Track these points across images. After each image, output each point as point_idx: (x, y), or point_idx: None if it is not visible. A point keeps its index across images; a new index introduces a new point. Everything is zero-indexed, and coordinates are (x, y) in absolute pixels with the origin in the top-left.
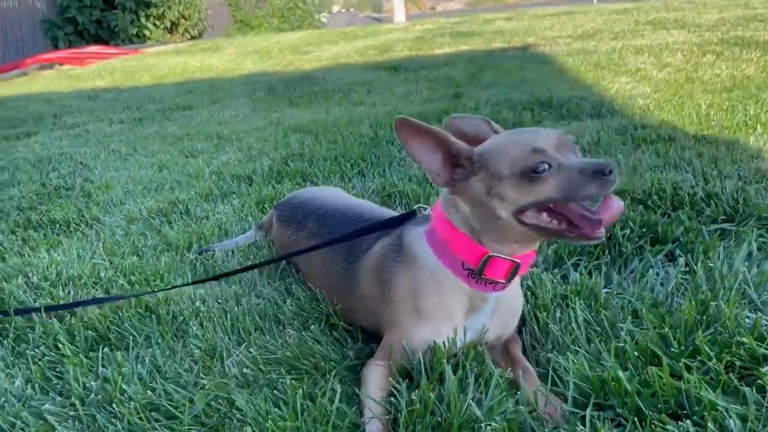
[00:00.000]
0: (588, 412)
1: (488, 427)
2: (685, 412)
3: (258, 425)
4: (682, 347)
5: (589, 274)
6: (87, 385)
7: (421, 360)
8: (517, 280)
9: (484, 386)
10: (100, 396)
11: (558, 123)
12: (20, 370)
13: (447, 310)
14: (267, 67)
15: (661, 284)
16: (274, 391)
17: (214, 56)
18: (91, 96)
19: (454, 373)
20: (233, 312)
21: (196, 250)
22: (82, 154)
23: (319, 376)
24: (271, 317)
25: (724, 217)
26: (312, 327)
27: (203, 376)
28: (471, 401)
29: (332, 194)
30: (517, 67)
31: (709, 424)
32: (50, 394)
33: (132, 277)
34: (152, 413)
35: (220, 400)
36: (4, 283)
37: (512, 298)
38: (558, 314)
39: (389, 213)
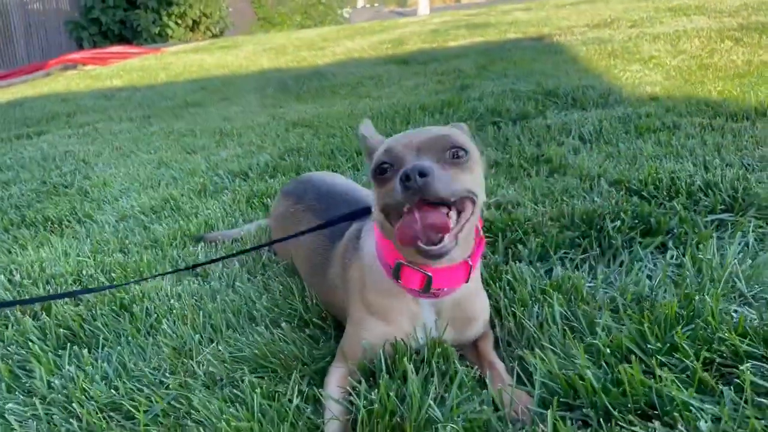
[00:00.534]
0: (550, 412)
1: (447, 427)
2: (656, 412)
3: (212, 425)
4: (659, 344)
5: (576, 267)
6: (52, 383)
7: (382, 357)
8: (476, 282)
9: (449, 384)
10: (61, 395)
11: (562, 112)
12: None
13: (390, 308)
14: (281, 63)
15: (648, 278)
16: (234, 390)
17: (231, 54)
18: (107, 95)
19: (420, 371)
20: (207, 309)
21: (195, 237)
22: (86, 152)
23: (285, 375)
24: (244, 314)
25: (722, 207)
26: (283, 325)
27: (168, 375)
28: (431, 401)
29: (338, 177)
30: (529, 57)
31: (679, 425)
32: (16, 392)
33: (113, 274)
34: (112, 413)
35: (181, 400)
36: None
37: (471, 301)
38: (535, 309)
39: None
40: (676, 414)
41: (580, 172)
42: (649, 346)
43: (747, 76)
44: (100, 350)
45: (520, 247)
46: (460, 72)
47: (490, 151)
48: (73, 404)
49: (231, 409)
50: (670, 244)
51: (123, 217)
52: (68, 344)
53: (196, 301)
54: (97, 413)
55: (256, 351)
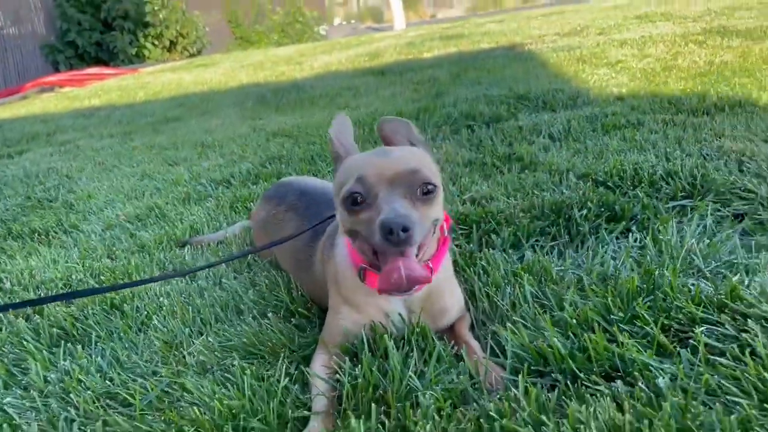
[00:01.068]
0: (521, 377)
1: (427, 394)
2: (618, 373)
3: (205, 405)
4: (621, 314)
5: (546, 253)
6: (47, 378)
7: (364, 337)
8: (449, 277)
9: (428, 359)
10: (57, 387)
11: (533, 114)
12: None
13: (361, 301)
14: (259, 78)
15: (613, 259)
16: (225, 374)
17: (209, 71)
18: (85, 114)
19: (400, 349)
20: (195, 305)
21: (180, 241)
22: (68, 168)
23: (273, 360)
24: (232, 308)
25: (683, 194)
26: (270, 315)
27: (161, 365)
28: (411, 374)
29: (316, 179)
30: (501, 65)
31: (639, 383)
32: (13, 388)
33: (102, 278)
34: (108, 401)
35: (174, 386)
36: None
37: (440, 295)
38: (508, 290)
39: None
40: (636, 374)
41: (550, 168)
42: (612, 316)
43: (708, 75)
44: (93, 347)
45: (493, 236)
46: (435, 80)
47: (464, 151)
48: (71, 395)
49: (222, 390)
50: (634, 228)
51: (109, 226)
52: (62, 342)
53: (184, 298)
54: (94, 402)
55: (245, 340)
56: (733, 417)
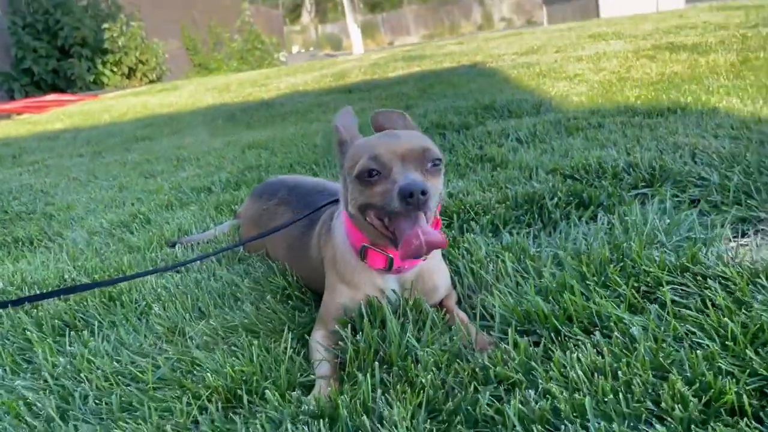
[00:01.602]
0: (511, 330)
1: (426, 351)
2: (596, 328)
3: (217, 373)
4: (596, 278)
5: (524, 238)
6: (56, 363)
7: (363, 309)
8: (437, 259)
9: (422, 327)
10: (68, 368)
11: (500, 121)
12: None
13: (360, 281)
14: (226, 99)
15: (584, 238)
16: (232, 348)
17: (173, 95)
18: (50, 137)
19: (397, 318)
20: (193, 293)
21: (170, 242)
22: (42, 184)
23: (276, 337)
24: (229, 296)
25: (643, 183)
26: (268, 298)
27: (166, 347)
28: (409, 335)
29: (305, 176)
30: (466, 80)
31: (615, 333)
32: (21, 374)
33: (96, 276)
34: (120, 378)
35: (182, 362)
36: None
37: (431, 274)
38: (491, 266)
39: None
40: (612, 325)
41: (520, 165)
42: (587, 282)
43: (660, 83)
44: (97, 334)
45: (473, 224)
46: (403, 95)
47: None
48: (81, 374)
49: (233, 359)
50: (601, 213)
51: (94, 233)
52: (66, 330)
53: (181, 289)
54: (106, 379)
55: (246, 320)
56: (699, 352)
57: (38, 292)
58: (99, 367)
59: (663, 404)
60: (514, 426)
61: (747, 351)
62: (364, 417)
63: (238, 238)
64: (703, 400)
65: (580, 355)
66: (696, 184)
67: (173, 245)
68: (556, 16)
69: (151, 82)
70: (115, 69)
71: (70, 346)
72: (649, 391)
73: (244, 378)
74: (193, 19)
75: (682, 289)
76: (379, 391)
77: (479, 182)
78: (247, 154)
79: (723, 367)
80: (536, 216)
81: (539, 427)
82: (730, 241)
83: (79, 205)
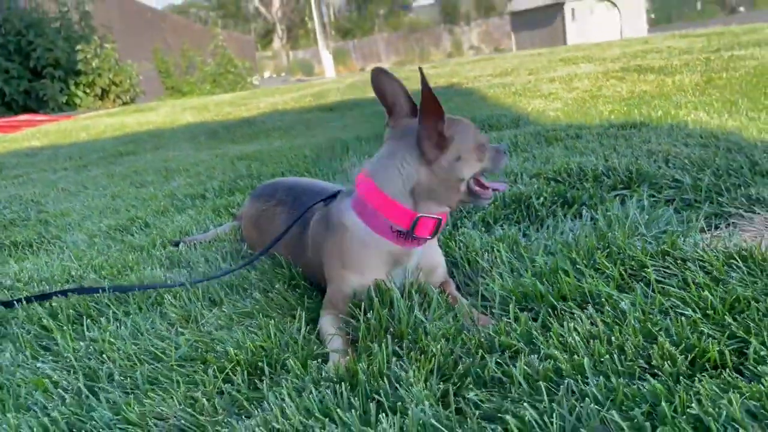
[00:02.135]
0: (512, 305)
1: (434, 324)
2: (588, 303)
3: (239, 347)
4: (585, 262)
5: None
6: (76, 347)
7: (372, 290)
8: (434, 240)
9: (427, 307)
10: (90, 350)
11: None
12: (10, 343)
13: (371, 266)
14: (206, 118)
15: (570, 231)
16: (249, 328)
17: (149, 114)
18: (29, 154)
19: (404, 299)
20: (202, 285)
21: (173, 241)
22: (31, 194)
23: (290, 320)
24: (237, 287)
25: (621, 185)
26: (277, 286)
27: (183, 331)
28: (417, 312)
29: (302, 178)
30: (444, 99)
31: (606, 308)
32: (41, 359)
33: (102, 272)
34: (142, 356)
35: (201, 343)
36: None
37: (432, 254)
38: (486, 256)
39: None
40: (604, 301)
41: (505, 171)
42: (577, 266)
43: (631, 99)
44: (112, 322)
45: (465, 220)
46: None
47: None
48: (104, 354)
49: (251, 335)
50: (585, 210)
51: (93, 236)
52: (82, 318)
53: (190, 281)
54: (129, 359)
55: (257, 307)
56: (683, 319)
57: (48, 288)
58: (120, 348)
59: (654, 362)
60: (521, 384)
61: (726, 317)
62: (382, 380)
63: (240, 238)
64: (689, 358)
65: (575, 325)
66: (670, 186)
67: (176, 244)
68: (524, 43)
69: (125, 104)
70: (88, 90)
71: (88, 331)
72: (641, 352)
73: (264, 353)
74: (165, 43)
75: (664, 271)
76: (394, 359)
77: None
78: (237, 165)
79: (705, 331)
80: (524, 214)
81: (544, 383)
82: (704, 232)
83: (74, 212)
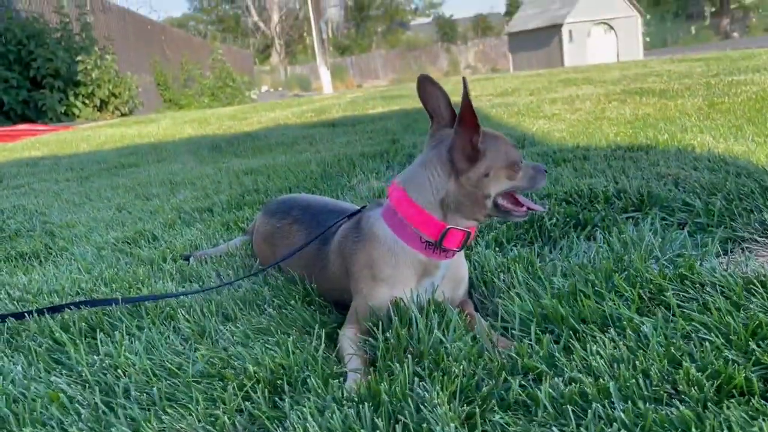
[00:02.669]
0: (533, 326)
1: (455, 345)
2: (610, 327)
3: (258, 364)
4: (604, 284)
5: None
6: (90, 361)
7: (392, 309)
8: (461, 252)
9: (446, 328)
10: (105, 364)
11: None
12: (22, 356)
13: (401, 277)
14: (207, 132)
15: (585, 253)
16: (266, 345)
17: (150, 126)
18: (29, 164)
19: (423, 318)
20: (216, 300)
21: (183, 255)
22: (35, 204)
23: (308, 337)
24: (251, 302)
25: (633, 207)
26: (292, 302)
27: (197, 347)
28: (437, 332)
29: (315, 195)
30: None
31: (628, 331)
32: (54, 372)
33: (114, 285)
34: (158, 371)
35: (218, 359)
36: None
37: (459, 266)
38: (502, 276)
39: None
40: (624, 324)
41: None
42: (596, 288)
43: (635, 122)
44: (125, 336)
45: (479, 240)
46: (388, 130)
47: None
48: (118, 369)
49: (271, 352)
50: (598, 232)
51: (101, 248)
52: (95, 332)
53: (203, 296)
54: (144, 373)
55: (273, 323)
56: (707, 344)
57: (58, 300)
58: (134, 363)
59: (680, 387)
60: (546, 407)
61: (750, 343)
62: (405, 401)
63: (251, 253)
64: (715, 385)
65: (598, 348)
66: (681, 209)
67: (187, 258)
68: (522, 63)
69: (123, 115)
70: (87, 101)
71: (101, 345)
72: (666, 377)
73: (283, 371)
74: (164, 55)
75: (683, 295)
76: (416, 380)
77: None
78: (243, 179)
79: (730, 357)
80: (537, 234)
81: (570, 407)
82: (719, 256)
83: (80, 223)
